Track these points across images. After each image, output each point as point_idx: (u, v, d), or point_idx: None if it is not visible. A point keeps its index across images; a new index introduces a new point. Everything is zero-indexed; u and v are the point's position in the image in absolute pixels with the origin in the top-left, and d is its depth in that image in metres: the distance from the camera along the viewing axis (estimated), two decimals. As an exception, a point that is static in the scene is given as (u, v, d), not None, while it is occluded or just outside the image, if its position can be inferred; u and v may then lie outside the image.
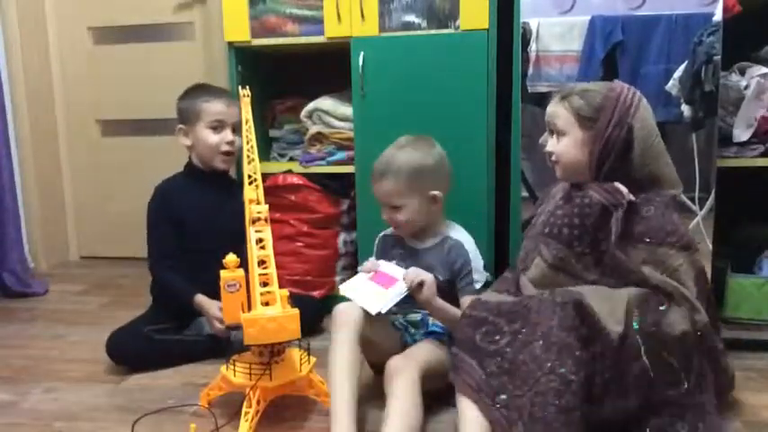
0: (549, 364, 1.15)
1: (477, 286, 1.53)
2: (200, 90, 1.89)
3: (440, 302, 1.47)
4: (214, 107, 1.84)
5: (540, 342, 1.18)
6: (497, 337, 1.24)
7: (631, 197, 1.34)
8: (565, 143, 1.41)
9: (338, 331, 1.40)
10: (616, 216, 1.32)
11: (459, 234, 1.59)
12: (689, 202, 1.64)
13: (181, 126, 1.88)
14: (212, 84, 2.02)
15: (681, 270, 1.33)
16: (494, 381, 1.21)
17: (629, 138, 1.35)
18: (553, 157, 1.44)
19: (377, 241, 1.70)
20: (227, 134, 1.85)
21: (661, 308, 1.26)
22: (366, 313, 1.42)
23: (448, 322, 1.48)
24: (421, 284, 1.44)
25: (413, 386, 1.31)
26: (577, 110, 1.38)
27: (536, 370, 1.16)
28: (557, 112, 1.41)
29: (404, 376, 1.32)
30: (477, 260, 1.56)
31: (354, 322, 1.40)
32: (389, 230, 1.67)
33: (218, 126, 1.84)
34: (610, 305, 1.25)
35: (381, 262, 1.55)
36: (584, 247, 1.36)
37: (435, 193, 1.54)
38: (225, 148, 1.85)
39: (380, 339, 1.50)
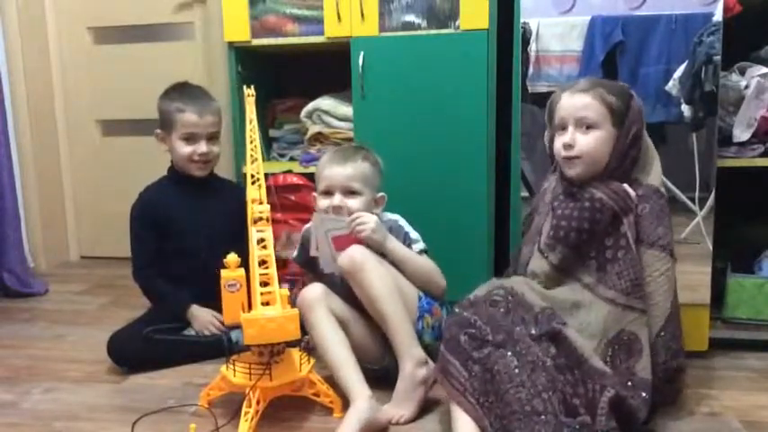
0: (518, 379, 1.18)
1: (419, 249, 1.60)
2: (176, 94, 1.86)
3: (392, 243, 1.55)
4: (186, 119, 1.82)
5: (516, 359, 1.20)
6: (481, 345, 1.24)
7: (636, 200, 1.35)
8: (595, 137, 1.36)
9: (311, 309, 1.47)
10: (628, 222, 1.32)
11: (390, 215, 1.64)
12: (689, 202, 1.63)
13: (158, 131, 1.88)
14: (213, 82, 2.01)
15: (666, 275, 1.34)
16: (476, 382, 1.22)
17: (642, 134, 1.37)
18: (574, 152, 1.37)
19: (305, 234, 1.70)
20: (201, 145, 1.83)
21: (631, 360, 1.30)
22: (327, 288, 1.51)
23: (408, 262, 1.55)
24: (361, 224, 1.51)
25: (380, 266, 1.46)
26: (612, 106, 1.36)
27: (507, 381, 1.18)
28: (588, 103, 1.36)
29: (371, 264, 1.45)
30: (413, 233, 1.62)
31: (320, 297, 1.48)
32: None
33: (190, 137, 1.83)
34: (589, 333, 1.30)
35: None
36: (591, 251, 1.36)
37: (382, 194, 1.62)
38: (197, 158, 1.84)
39: (361, 340, 1.52)
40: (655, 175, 1.39)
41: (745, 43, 1.72)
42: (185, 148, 1.83)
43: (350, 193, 1.57)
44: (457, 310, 1.32)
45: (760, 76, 1.67)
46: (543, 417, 1.14)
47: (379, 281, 1.44)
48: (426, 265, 1.58)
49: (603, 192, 1.34)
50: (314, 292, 1.50)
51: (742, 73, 1.71)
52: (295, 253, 1.76)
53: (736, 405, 1.46)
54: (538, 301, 1.33)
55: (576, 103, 1.37)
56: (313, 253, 1.56)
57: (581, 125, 1.37)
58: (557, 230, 1.38)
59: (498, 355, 1.21)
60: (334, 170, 1.59)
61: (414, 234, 1.62)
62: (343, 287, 1.53)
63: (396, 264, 1.55)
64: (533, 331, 1.26)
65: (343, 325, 1.49)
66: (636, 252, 1.33)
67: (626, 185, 1.35)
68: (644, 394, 1.28)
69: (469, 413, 1.21)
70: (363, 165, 1.60)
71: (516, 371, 1.19)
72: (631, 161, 1.38)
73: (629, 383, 1.27)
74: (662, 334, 1.33)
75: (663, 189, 1.39)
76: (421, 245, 1.60)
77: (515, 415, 1.15)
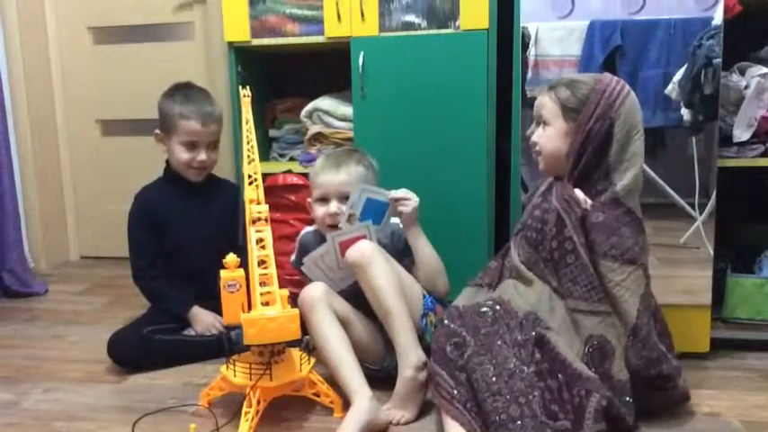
0: (495, 387, 1.19)
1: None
2: (181, 97, 1.84)
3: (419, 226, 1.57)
4: (190, 127, 1.80)
5: (493, 368, 1.21)
6: (463, 351, 1.26)
7: (588, 207, 1.34)
8: (548, 133, 1.42)
9: (312, 308, 1.47)
10: (572, 225, 1.32)
11: (393, 219, 1.62)
12: (688, 207, 1.63)
13: (157, 132, 1.87)
14: (213, 82, 1.99)
15: (623, 285, 1.32)
16: (462, 389, 1.24)
17: (609, 133, 1.35)
18: (537, 148, 1.45)
19: (303, 239, 1.72)
20: (200, 153, 1.82)
21: (606, 363, 1.30)
22: (329, 288, 1.51)
23: (427, 246, 1.58)
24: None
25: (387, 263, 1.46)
26: (564, 101, 1.39)
27: (484, 390, 1.20)
28: (543, 102, 1.43)
29: (379, 258, 1.44)
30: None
31: (321, 297, 1.48)
32: (314, 227, 1.69)
33: (191, 145, 1.82)
34: (569, 338, 1.30)
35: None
36: (546, 253, 1.37)
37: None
38: (195, 165, 1.84)
39: (362, 340, 1.52)
40: (624, 183, 1.35)
41: (745, 43, 1.72)
42: (185, 155, 1.83)
43: (346, 199, 1.56)
44: (446, 321, 1.32)
45: (760, 76, 1.67)
46: (519, 422, 1.16)
47: (385, 275, 1.44)
48: (437, 257, 1.60)
49: (556, 194, 1.36)
50: (315, 291, 1.49)
51: (742, 73, 1.71)
52: (293, 257, 1.76)
53: (736, 405, 1.46)
54: (523, 307, 1.34)
55: (537, 101, 1.46)
56: (320, 277, 1.55)
57: (541, 122, 1.44)
58: (527, 230, 1.43)
59: (477, 363, 1.23)
60: (328, 177, 1.58)
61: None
62: (345, 289, 1.53)
63: (416, 248, 1.57)
64: (518, 337, 1.27)
65: (344, 324, 1.49)
66: (587, 258, 1.32)
67: (577, 190, 1.36)
68: (627, 398, 1.29)
69: (457, 419, 1.22)
70: (358, 169, 1.59)
71: (493, 379, 1.20)
72: (595, 155, 1.36)
73: (609, 387, 1.27)
74: (630, 344, 1.31)
75: (628, 199, 1.35)
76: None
77: (493, 424, 1.17)
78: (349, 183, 1.57)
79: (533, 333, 1.27)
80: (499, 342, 1.25)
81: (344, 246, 1.49)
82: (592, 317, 1.31)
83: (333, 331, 1.46)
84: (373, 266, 1.44)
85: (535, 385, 1.21)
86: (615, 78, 1.39)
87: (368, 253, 1.45)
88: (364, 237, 1.51)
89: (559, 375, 1.24)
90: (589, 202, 1.35)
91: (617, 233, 1.33)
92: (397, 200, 1.54)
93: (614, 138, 1.35)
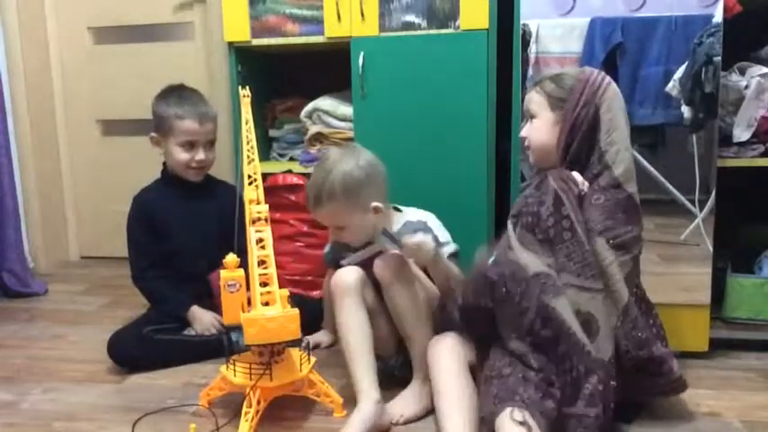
0: (496, 371, 1.25)
1: (448, 253, 1.55)
2: (175, 99, 1.84)
3: (444, 263, 1.49)
4: (187, 127, 1.80)
5: (500, 354, 1.26)
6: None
7: (585, 189, 1.35)
8: (536, 125, 1.44)
9: (343, 294, 1.44)
10: (570, 203, 1.32)
11: (417, 214, 1.59)
12: (689, 204, 1.63)
13: (153, 134, 1.87)
14: (213, 82, 1.99)
15: (615, 266, 1.33)
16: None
17: (595, 118, 1.37)
18: (526, 142, 1.48)
19: (328, 249, 1.72)
20: (198, 153, 1.83)
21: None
22: (364, 275, 1.47)
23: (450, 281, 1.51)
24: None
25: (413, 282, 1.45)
26: (549, 92, 1.42)
27: (487, 369, 1.26)
28: (530, 96, 1.46)
29: (398, 282, 1.42)
30: (441, 232, 1.58)
31: (355, 285, 1.45)
32: None
33: (189, 145, 1.82)
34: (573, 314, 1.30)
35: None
36: (542, 234, 1.36)
37: (376, 204, 1.52)
38: (194, 165, 1.84)
39: (379, 333, 1.50)
40: (620, 167, 1.36)
41: (745, 43, 1.72)
42: (183, 155, 1.83)
43: (338, 228, 1.55)
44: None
45: (760, 76, 1.67)
46: (512, 401, 1.19)
47: (404, 300, 1.43)
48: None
49: (553, 176, 1.37)
50: (350, 277, 1.45)
51: (742, 73, 1.71)
52: (327, 248, 1.74)
53: (736, 405, 1.47)
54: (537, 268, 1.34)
55: (525, 98, 1.49)
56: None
57: (529, 116, 1.47)
58: (522, 216, 1.41)
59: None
60: (312, 210, 1.56)
61: (443, 236, 1.57)
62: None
63: (436, 280, 1.52)
64: (524, 307, 1.27)
65: (368, 315, 1.46)
66: (584, 235, 1.32)
67: (575, 173, 1.37)
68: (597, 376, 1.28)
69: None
70: (334, 195, 1.50)
71: (496, 363, 1.26)
72: (586, 140, 1.38)
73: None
74: (620, 323, 1.32)
75: (628, 184, 1.36)
76: (451, 247, 1.57)
77: (487, 406, 1.22)
78: (332, 215, 1.54)
79: (539, 302, 1.27)
80: (506, 320, 1.29)
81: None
82: (582, 292, 1.31)
83: (358, 323, 1.43)
84: (394, 288, 1.43)
85: (535, 361, 1.25)
86: (597, 70, 1.43)
87: (388, 275, 1.42)
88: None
89: (561, 345, 1.25)
90: (586, 183, 1.36)
91: (612, 217, 1.34)
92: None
93: (601, 121, 1.37)
